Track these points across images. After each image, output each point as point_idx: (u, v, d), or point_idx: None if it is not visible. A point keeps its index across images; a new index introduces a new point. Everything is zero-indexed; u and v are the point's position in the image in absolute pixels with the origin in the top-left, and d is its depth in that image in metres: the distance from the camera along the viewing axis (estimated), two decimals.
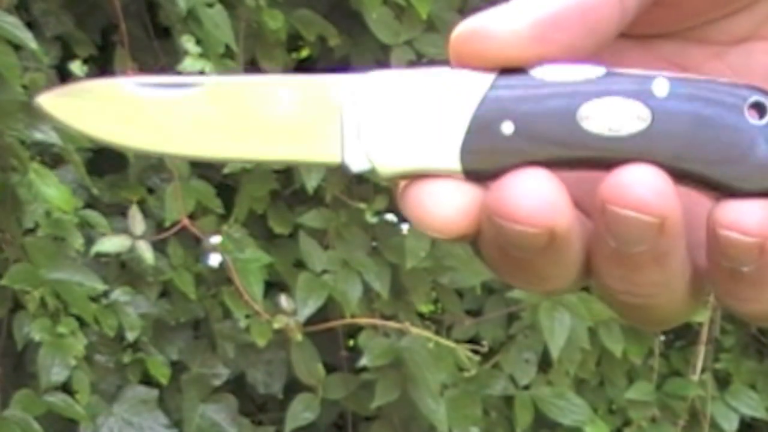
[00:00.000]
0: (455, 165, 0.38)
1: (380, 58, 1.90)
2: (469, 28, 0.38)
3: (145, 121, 0.39)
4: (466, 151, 0.38)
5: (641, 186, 0.37)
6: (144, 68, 1.75)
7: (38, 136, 1.51)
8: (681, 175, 0.37)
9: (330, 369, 1.89)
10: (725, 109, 0.37)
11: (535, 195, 0.37)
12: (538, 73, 0.38)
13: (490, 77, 0.38)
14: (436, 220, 0.38)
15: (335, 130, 0.39)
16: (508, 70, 0.38)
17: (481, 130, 0.38)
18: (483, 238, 0.38)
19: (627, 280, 0.38)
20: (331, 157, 0.39)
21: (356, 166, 0.39)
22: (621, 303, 0.39)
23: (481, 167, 0.38)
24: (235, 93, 0.39)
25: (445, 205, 0.38)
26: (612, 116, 0.38)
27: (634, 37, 0.41)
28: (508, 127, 0.38)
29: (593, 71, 0.38)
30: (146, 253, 1.67)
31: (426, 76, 0.38)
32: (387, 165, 0.39)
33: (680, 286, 0.39)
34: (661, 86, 0.38)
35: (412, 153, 0.38)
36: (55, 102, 0.40)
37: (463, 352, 1.86)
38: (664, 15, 0.41)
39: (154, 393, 1.75)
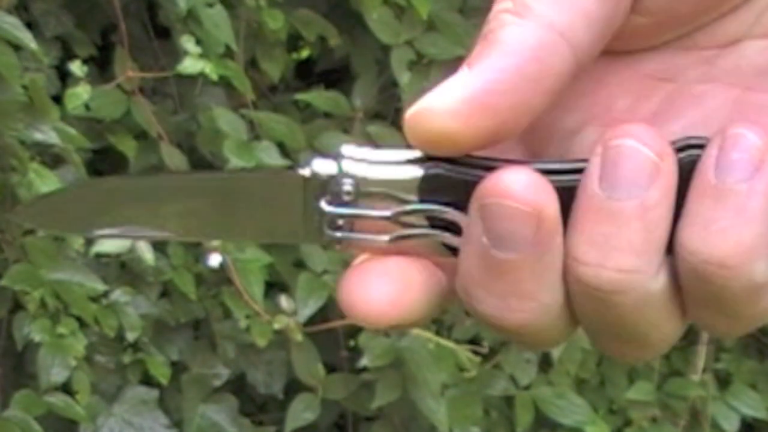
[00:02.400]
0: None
1: (380, 58, 1.90)
2: (414, 110, 0.38)
3: (130, 214, 0.40)
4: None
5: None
6: (144, 68, 1.74)
7: (38, 136, 1.51)
8: None
9: (330, 369, 1.89)
10: None
11: (527, 178, 0.37)
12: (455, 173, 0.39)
13: (417, 175, 0.39)
14: (361, 312, 0.38)
15: (301, 218, 0.40)
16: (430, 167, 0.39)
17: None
18: (463, 258, 0.38)
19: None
20: (294, 240, 0.41)
21: (326, 245, 0.40)
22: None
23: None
24: (207, 188, 0.40)
25: (376, 294, 0.38)
26: None
27: (618, 54, 0.41)
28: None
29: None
30: (146, 253, 1.67)
31: (368, 158, 0.39)
32: (353, 244, 0.40)
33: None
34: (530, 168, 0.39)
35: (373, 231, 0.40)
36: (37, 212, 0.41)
37: (464, 352, 1.86)
38: (648, 27, 0.40)
39: (155, 393, 1.74)
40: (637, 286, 0.37)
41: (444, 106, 0.37)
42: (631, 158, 0.36)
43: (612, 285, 0.37)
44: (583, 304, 0.38)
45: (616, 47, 0.40)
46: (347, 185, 0.39)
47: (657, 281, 0.37)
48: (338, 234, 0.39)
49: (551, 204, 0.37)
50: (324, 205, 0.39)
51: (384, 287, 0.38)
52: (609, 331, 0.39)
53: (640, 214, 0.36)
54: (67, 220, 0.40)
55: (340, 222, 0.39)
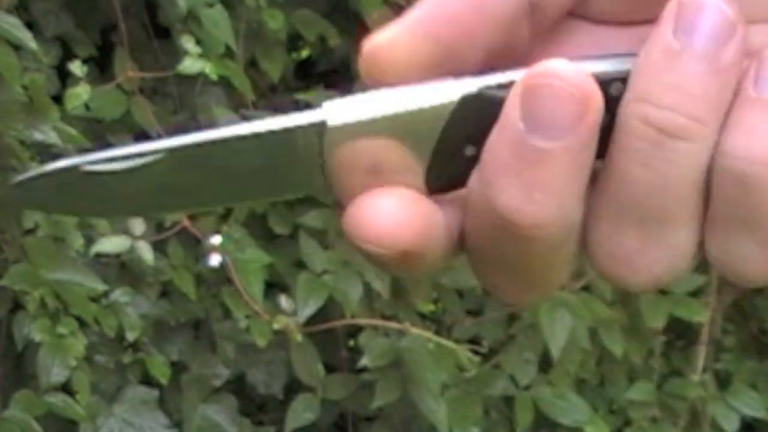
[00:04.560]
0: (420, 188, 0.38)
1: None
2: (370, 46, 0.38)
3: (109, 196, 0.39)
4: (430, 177, 0.38)
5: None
6: (144, 68, 1.74)
7: (38, 136, 1.51)
8: None
9: (330, 369, 1.89)
10: None
11: (578, 66, 0.36)
12: (497, 93, 0.38)
13: (451, 102, 0.38)
14: (372, 231, 0.37)
15: (301, 171, 0.39)
16: (471, 91, 0.38)
17: (445, 156, 0.38)
18: (491, 146, 0.37)
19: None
20: (298, 193, 0.39)
21: (324, 198, 0.39)
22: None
23: (445, 188, 0.39)
24: (193, 156, 0.39)
25: (385, 216, 0.37)
26: None
27: (622, 25, 0.40)
28: (470, 150, 0.38)
29: None
30: (146, 253, 1.67)
31: (385, 107, 0.38)
32: (354, 196, 0.39)
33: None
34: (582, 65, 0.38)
35: (378, 183, 0.38)
36: (18, 194, 0.40)
37: (464, 352, 1.86)
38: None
39: (154, 393, 1.74)
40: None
41: (388, 36, 0.38)
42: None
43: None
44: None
45: (619, 18, 0.40)
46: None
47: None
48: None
49: (599, 95, 0.36)
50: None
51: (394, 207, 0.37)
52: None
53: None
54: (56, 200, 0.40)
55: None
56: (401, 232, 0.37)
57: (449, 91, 0.38)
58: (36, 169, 0.40)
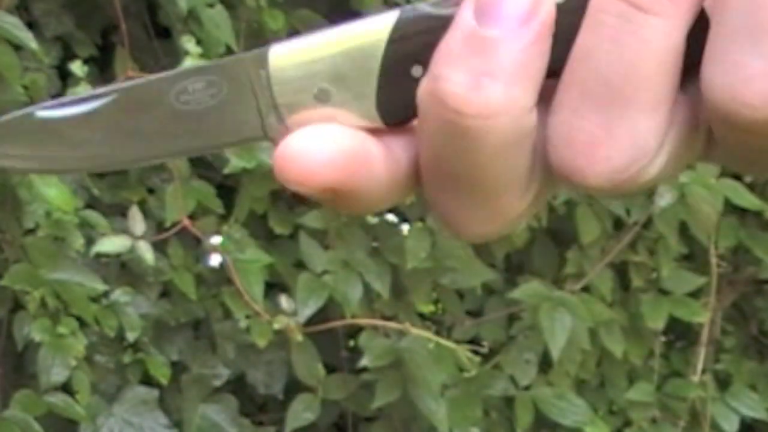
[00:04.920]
0: (374, 117, 0.38)
1: None
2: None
3: (63, 140, 0.39)
4: (381, 102, 0.38)
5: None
6: (144, 68, 1.74)
7: None
8: None
9: (330, 369, 1.89)
10: None
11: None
12: (437, 9, 0.38)
13: (389, 23, 0.38)
14: (294, 170, 0.37)
15: (251, 107, 0.39)
16: (407, 10, 0.38)
17: (392, 78, 0.38)
18: (443, 40, 0.37)
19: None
20: (253, 134, 0.39)
21: (279, 137, 0.38)
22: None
23: (400, 114, 0.38)
24: (145, 95, 0.39)
25: (308, 153, 0.37)
26: None
27: None
28: (417, 70, 0.38)
29: None
30: (146, 253, 1.67)
31: (328, 35, 0.38)
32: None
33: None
34: None
35: (329, 115, 0.38)
36: None
37: (464, 352, 1.86)
38: None
39: (155, 393, 1.74)
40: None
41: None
42: None
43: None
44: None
45: None
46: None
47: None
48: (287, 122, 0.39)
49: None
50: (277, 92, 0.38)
51: (318, 144, 0.37)
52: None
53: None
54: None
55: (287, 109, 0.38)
56: (323, 170, 0.37)
57: (387, 15, 0.38)
58: None
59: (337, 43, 0.38)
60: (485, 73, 0.36)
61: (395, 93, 0.38)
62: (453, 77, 0.36)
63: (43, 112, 0.39)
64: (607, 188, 0.37)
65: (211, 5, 1.70)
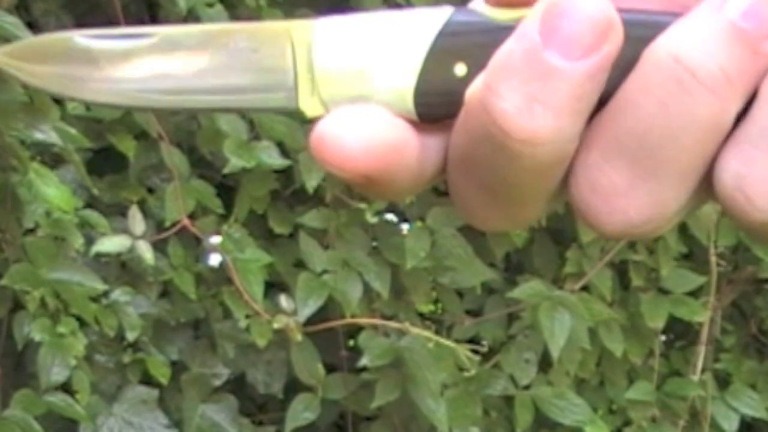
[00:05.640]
0: (409, 108, 0.38)
1: None
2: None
3: (98, 72, 0.38)
4: (419, 94, 0.38)
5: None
6: None
7: (38, 136, 1.51)
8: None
9: (330, 369, 1.89)
10: None
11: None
12: (490, 12, 0.37)
13: (442, 18, 0.38)
14: (334, 155, 0.37)
15: (288, 76, 0.38)
16: (461, 10, 0.38)
17: (434, 71, 0.38)
18: (503, 53, 0.36)
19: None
20: (286, 103, 0.38)
21: (311, 111, 0.38)
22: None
23: (436, 110, 0.38)
24: (188, 43, 0.38)
25: (349, 139, 0.37)
26: None
27: None
28: (461, 69, 0.38)
29: None
30: (146, 253, 1.67)
31: (378, 18, 0.38)
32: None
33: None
34: None
35: (365, 97, 0.38)
36: (10, 59, 0.39)
37: (464, 352, 1.86)
38: None
39: (154, 393, 1.75)
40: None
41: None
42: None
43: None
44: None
45: None
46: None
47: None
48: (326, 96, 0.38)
49: (620, 26, 0.36)
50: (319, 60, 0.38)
51: (359, 130, 0.37)
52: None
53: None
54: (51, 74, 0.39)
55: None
56: (360, 158, 0.37)
57: (441, 9, 0.38)
58: (27, 39, 0.39)
59: (386, 26, 0.38)
60: (540, 101, 0.36)
61: (434, 87, 0.38)
62: (507, 96, 0.36)
63: (83, 39, 0.39)
64: (618, 237, 0.38)
65: (210, 5, 1.70)
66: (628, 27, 0.36)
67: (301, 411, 1.85)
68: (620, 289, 2.11)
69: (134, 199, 1.75)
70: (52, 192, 1.55)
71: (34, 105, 1.50)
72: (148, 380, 1.75)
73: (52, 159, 1.66)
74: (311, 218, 1.84)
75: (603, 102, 0.37)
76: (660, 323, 2.06)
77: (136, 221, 1.69)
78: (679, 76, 0.35)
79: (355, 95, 0.38)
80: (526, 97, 0.36)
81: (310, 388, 1.86)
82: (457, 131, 0.38)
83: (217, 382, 1.82)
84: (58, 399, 1.62)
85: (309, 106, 0.38)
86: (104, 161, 1.75)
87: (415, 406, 1.84)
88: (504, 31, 0.37)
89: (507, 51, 0.36)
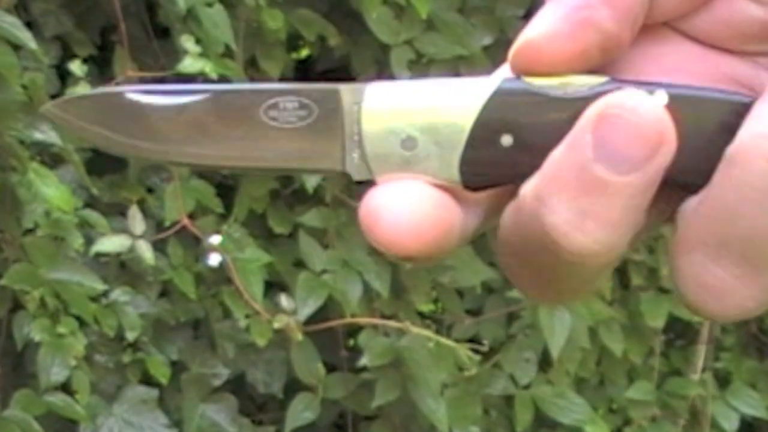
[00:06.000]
0: (455, 176, 0.38)
1: (380, 57, 1.90)
2: (524, 42, 0.37)
3: (147, 128, 0.39)
4: (465, 163, 0.38)
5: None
6: (144, 68, 1.74)
7: (38, 136, 1.51)
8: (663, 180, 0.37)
9: (330, 369, 1.89)
10: (716, 124, 0.37)
11: (659, 101, 0.36)
12: (538, 82, 0.37)
13: (489, 88, 0.38)
14: (385, 236, 0.37)
15: (336, 138, 0.38)
16: (509, 80, 0.38)
17: (481, 141, 0.38)
18: (553, 163, 0.36)
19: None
20: (332, 165, 0.39)
21: (357, 175, 0.38)
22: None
23: (481, 180, 0.38)
24: (237, 101, 0.39)
25: (400, 221, 0.37)
26: None
27: (730, 52, 0.39)
28: (507, 140, 0.38)
29: (595, 80, 0.37)
30: (146, 253, 1.67)
31: (426, 86, 0.38)
32: (387, 175, 0.38)
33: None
34: (660, 98, 0.37)
35: (411, 163, 0.38)
36: (60, 112, 0.39)
37: (464, 351, 1.86)
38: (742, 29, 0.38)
39: (154, 393, 1.74)
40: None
41: (542, 28, 0.36)
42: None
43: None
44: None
45: (702, 37, 0.39)
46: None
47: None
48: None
49: (673, 137, 0.35)
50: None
51: (410, 210, 0.37)
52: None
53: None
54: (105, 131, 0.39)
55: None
56: (414, 242, 0.37)
57: (489, 80, 0.38)
58: (80, 93, 0.40)
59: (435, 94, 0.38)
60: (592, 216, 0.35)
61: (480, 157, 0.38)
62: (559, 210, 0.35)
63: (133, 95, 0.39)
64: (734, 320, 0.37)
65: (210, 5, 1.70)
66: (691, 105, 0.36)
67: (301, 411, 1.85)
68: (620, 288, 2.11)
69: (134, 199, 1.75)
70: (52, 192, 1.55)
71: (33, 105, 1.50)
72: (147, 380, 1.75)
73: (52, 159, 1.66)
74: (311, 218, 1.84)
75: (678, 184, 0.36)
76: (660, 322, 2.06)
77: (136, 221, 1.69)
78: None
79: (402, 161, 0.38)
80: (577, 212, 0.35)
81: (310, 388, 1.86)
82: (509, 221, 0.38)
83: (217, 382, 1.82)
84: (58, 399, 1.61)
85: (356, 170, 0.38)
86: (104, 161, 1.75)
87: (415, 406, 1.84)
88: (552, 102, 0.37)
89: (557, 160, 0.36)
